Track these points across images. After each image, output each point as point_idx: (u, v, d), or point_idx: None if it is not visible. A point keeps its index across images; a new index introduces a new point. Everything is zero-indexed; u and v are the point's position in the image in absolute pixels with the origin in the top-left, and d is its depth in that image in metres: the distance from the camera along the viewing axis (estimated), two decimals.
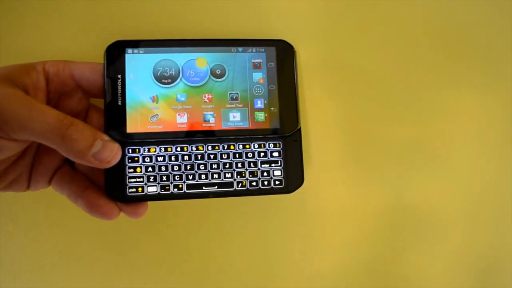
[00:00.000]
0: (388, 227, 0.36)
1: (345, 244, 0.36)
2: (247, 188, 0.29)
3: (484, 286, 0.38)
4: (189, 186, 0.29)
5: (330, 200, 0.35)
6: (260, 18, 0.34)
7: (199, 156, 0.29)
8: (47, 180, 0.29)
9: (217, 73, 0.30)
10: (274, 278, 0.35)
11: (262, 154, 0.30)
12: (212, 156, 0.29)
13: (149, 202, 0.29)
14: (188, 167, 0.29)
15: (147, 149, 0.29)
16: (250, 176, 0.29)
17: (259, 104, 0.30)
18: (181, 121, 0.29)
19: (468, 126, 0.37)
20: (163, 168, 0.29)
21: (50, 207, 0.33)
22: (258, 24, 0.34)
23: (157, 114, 0.29)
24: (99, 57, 0.29)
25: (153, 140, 0.29)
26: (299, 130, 0.31)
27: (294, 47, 0.31)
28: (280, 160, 0.30)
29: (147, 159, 0.29)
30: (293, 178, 0.30)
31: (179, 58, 0.29)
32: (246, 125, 0.30)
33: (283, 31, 0.34)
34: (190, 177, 0.29)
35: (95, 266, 0.34)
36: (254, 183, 0.29)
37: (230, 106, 0.30)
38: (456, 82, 0.36)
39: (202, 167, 0.29)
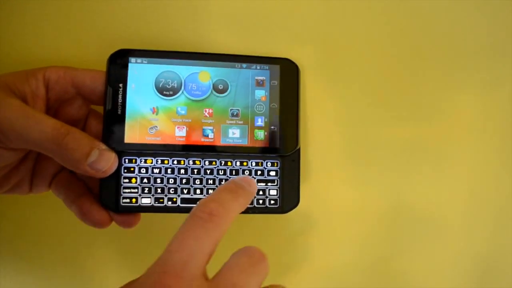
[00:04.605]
0: (389, 227, 0.36)
1: (346, 243, 0.36)
2: None
3: (484, 286, 0.38)
4: (183, 200, 0.29)
5: (331, 200, 0.35)
6: (260, 21, 0.34)
7: (195, 171, 0.29)
8: (47, 184, 0.29)
9: (219, 88, 0.30)
10: (274, 278, 0.35)
11: (259, 172, 0.30)
12: (208, 172, 0.29)
13: (142, 214, 0.29)
14: (184, 181, 0.29)
15: (143, 160, 0.28)
16: None
17: (260, 122, 0.30)
18: (180, 134, 0.29)
19: (468, 126, 0.36)
20: (158, 180, 0.28)
21: (50, 209, 0.33)
22: (259, 26, 0.34)
23: (156, 126, 0.29)
24: (102, 65, 0.28)
25: (150, 151, 0.28)
26: (298, 150, 0.30)
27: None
28: (277, 180, 0.30)
29: (143, 170, 0.28)
30: (289, 199, 0.30)
31: (182, 71, 0.29)
32: (245, 142, 0.29)
33: (283, 33, 0.34)
34: (185, 191, 0.29)
35: (93, 268, 0.34)
36: None
37: (230, 122, 0.29)
38: (456, 82, 0.36)
39: (197, 181, 0.29)
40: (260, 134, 0.30)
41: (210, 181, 0.29)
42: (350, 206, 0.35)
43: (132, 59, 0.29)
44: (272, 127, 0.30)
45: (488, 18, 0.37)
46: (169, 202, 0.28)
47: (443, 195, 0.36)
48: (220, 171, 0.29)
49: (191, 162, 0.29)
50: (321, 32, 0.35)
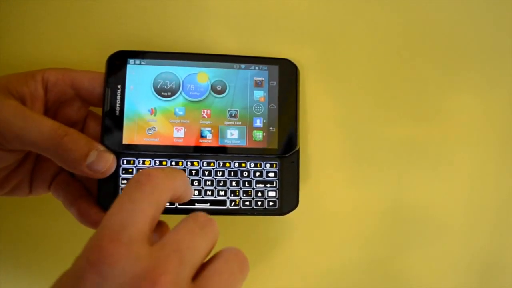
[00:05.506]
0: (388, 227, 0.36)
1: (346, 244, 0.36)
2: (240, 208, 0.29)
3: (484, 286, 0.37)
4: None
5: (330, 200, 0.35)
6: (259, 22, 0.34)
7: (193, 172, 0.29)
8: (47, 185, 0.29)
9: (217, 89, 0.29)
10: (274, 278, 0.35)
11: (257, 173, 0.29)
12: (206, 173, 0.29)
13: None
14: None
15: (142, 162, 0.28)
16: (244, 195, 0.29)
17: (258, 123, 0.30)
18: (178, 136, 0.29)
19: (468, 126, 0.36)
20: None
21: (49, 214, 0.33)
22: (258, 27, 0.34)
23: (154, 127, 0.29)
24: (101, 67, 0.28)
25: (148, 152, 0.28)
26: (298, 151, 0.30)
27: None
28: (276, 181, 0.29)
29: None
30: (288, 200, 0.30)
31: (180, 72, 0.29)
32: (243, 143, 0.29)
33: (282, 34, 0.34)
34: None
35: None
36: (247, 203, 0.29)
37: (229, 123, 0.29)
38: (456, 82, 0.36)
39: (196, 183, 0.29)
40: (259, 135, 0.29)
41: (209, 183, 0.29)
42: (350, 206, 0.35)
43: (131, 61, 0.29)
44: (271, 128, 0.30)
45: (488, 18, 0.36)
46: (167, 204, 0.28)
47: (443, 195, 0.36)
48: (218, 172, 0.29)
49: (189, 163, 0.29)
50: (321, 32, 0.35)
